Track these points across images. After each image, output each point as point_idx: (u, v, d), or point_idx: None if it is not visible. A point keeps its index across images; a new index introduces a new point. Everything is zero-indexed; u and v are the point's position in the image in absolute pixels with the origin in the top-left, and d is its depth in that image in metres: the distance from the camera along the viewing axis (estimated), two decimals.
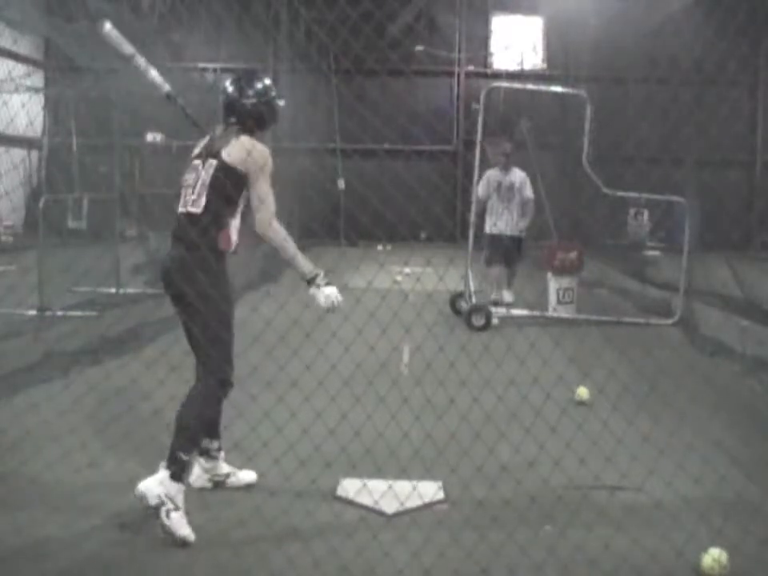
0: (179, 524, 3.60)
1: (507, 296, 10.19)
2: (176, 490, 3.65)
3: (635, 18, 16.27)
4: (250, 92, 3.99)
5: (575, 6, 18.05)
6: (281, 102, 4.11)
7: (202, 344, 3.82)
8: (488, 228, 10.08)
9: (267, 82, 4.09)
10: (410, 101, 21.38)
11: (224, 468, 4.30)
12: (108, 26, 4.03)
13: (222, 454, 4.30)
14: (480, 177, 9.86)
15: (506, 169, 10.20)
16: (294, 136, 16.75)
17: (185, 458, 3.69)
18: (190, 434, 3.74)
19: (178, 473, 3.67)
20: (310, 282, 3.88)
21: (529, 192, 10.24)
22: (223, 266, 3.92)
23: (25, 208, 17.89)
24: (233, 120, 3.97)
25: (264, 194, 3.81)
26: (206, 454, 4.25)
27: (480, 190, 10.01)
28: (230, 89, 4.00)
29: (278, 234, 3.84)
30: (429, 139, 20.49)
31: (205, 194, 3.85)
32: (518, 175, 10.28)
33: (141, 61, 4.09)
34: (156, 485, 3.65)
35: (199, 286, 3.78)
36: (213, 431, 4.21)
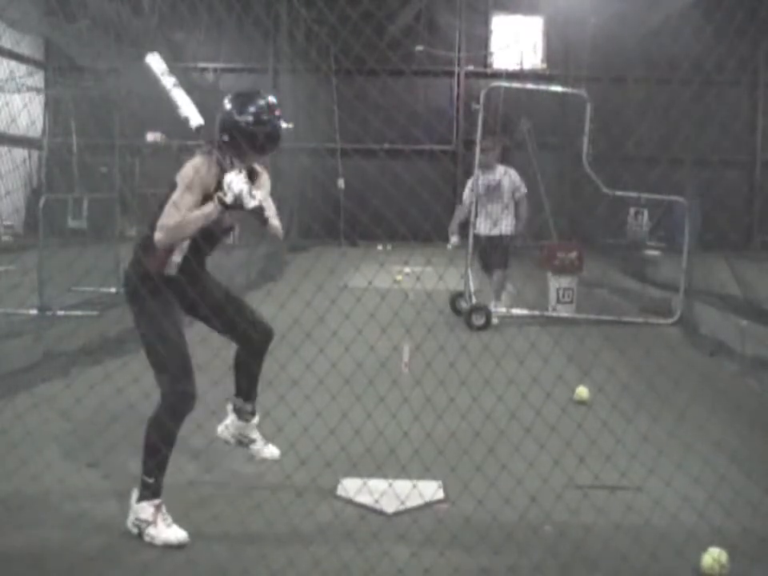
0: (161, 534, 3.61)
1: (500, 304, 9.55)
2: (144, 510, 3.66)
3: (635, 17, 16.27)
4: (248, 110, 3.74)
5: (575, 5, 18.08)
6: (283, 125, 3.82)
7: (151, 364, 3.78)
8: (477, 229, 9.36)
9: (263, 102, 3.80)
10: (410, 101, 21.38)
11: (253, 434, 4.36)
12: (152, 56, 3.80)
13: (256, 419, 4.34)
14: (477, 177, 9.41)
15: (488, 167, 9.45)
16: (294, 136, 16.77)
17: (149, 480, 3.66)
18: (152, 456, 3.66)
19: (147, 494, 3.67)
20: (222, 203, 3.64)
21: (523, 189, 9.55)
22: (154, 287, 3.70)
23: (25, 208, 17.89)
24: (225, 138, 3.76)
25: (171, 202, 3.67)
26: (238, 413, 4.31)
27: (464, 195, 9.73)
28: (227, 105, 3.78)
29: (165, 239, 3.68)
30: (429, 139, 20.49)
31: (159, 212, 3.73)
32: (505, 173, 9.46)
33: (178, 95, 3.80)
34: (130, 514, 3.71)
35: (134, 308, 3.77)
36: (248, 393, 4.27)
